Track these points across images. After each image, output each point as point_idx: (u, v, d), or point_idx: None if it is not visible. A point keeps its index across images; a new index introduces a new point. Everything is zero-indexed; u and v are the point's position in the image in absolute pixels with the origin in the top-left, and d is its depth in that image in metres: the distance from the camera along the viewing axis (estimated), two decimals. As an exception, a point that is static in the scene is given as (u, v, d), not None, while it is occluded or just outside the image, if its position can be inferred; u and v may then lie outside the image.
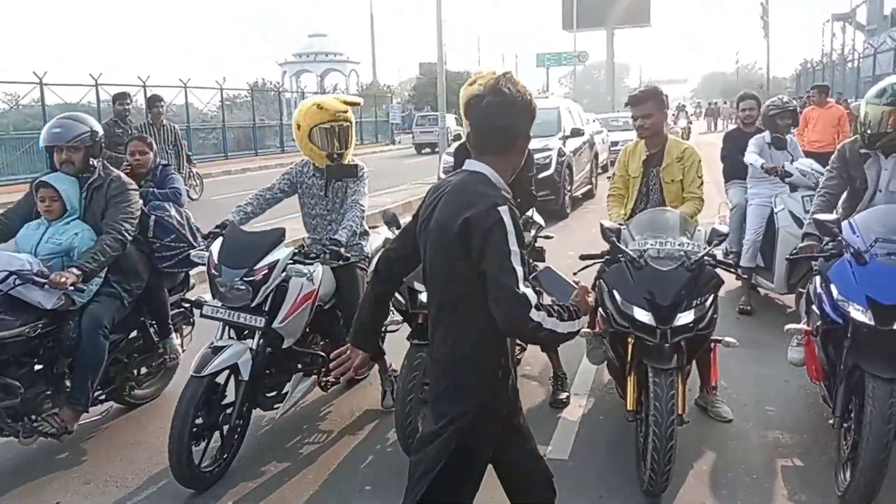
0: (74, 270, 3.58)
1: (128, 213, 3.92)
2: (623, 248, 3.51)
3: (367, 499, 3.50)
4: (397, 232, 3.98)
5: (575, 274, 3.63)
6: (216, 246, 3.82)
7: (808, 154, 7.05)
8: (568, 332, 2.17)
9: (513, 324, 2.09)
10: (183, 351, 4.60)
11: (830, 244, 3.55)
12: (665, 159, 4.19)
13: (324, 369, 4.03)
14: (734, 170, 6.58)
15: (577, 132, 12.54)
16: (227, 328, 3.74)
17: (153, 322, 4.38)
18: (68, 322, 3.75)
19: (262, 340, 3.68)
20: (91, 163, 3.93)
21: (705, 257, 3.46)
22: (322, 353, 4.04)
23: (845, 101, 16.56)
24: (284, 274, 3.70)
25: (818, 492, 3.40)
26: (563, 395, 4.44)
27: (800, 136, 8.94)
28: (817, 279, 3.63)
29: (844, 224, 3.51)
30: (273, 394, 3.96)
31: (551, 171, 11.09)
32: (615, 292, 3.49)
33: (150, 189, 4.48)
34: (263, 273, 3.64)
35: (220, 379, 3.61)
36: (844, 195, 4.06)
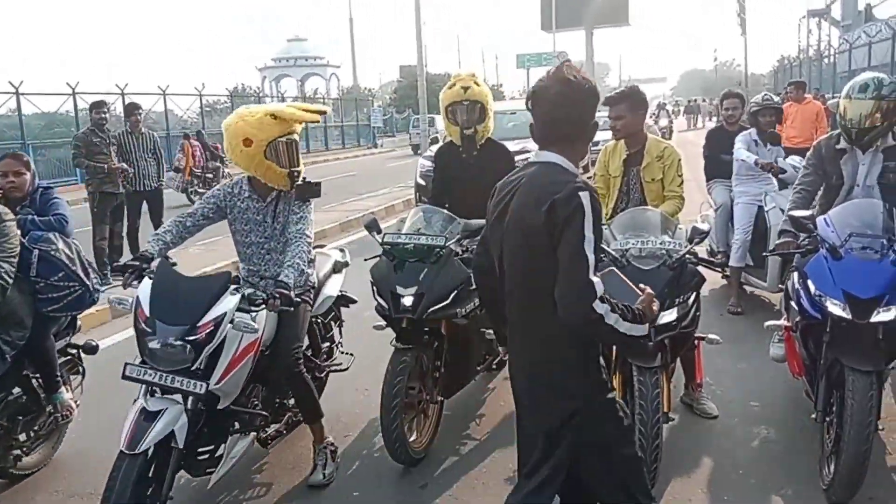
0: None
1: (4, 250, 3.37)
2: (605, 247, 3.53)
3: (355, 505, 3.48)
4: (378, 237, 4.00)
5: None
6: (144, 292, 3.13)
7: (786, 150, 7.10)
8: (629, 333, 2.14)
9: (575, 313, 2.06)
10: (77, 405, 4.00)
11: (807, 240, 3.59)
12: (645, 158, 4.22)
13: (262, 424, 3.58)
14: (717, 169, 6.59)
15: None
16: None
17: (38, 376, 3.77)
18: None
19: (198, 402, 3.06)
20: None
21: (687, 255, 3.48)
22: (262, 412, 3.52)
23: (822, 96, 16.72)
24: (230, 328, 3.08)
25: (803, 485, 3.43)
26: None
27: (780, 132, 9.01)
28: (795, 275, 3.66)
29: (819, 220, 3.55)
30: (205, 456, 3.32)
31: None
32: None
33: (29, 216, 3.84)
34: (208, 331, 3.02)
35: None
36: (821, 191, 4.09)
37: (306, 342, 3.85)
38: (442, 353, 3.94)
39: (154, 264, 3.35)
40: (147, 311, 3.05)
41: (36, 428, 3.88)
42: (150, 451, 2.87)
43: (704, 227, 3.69)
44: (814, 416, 3.43)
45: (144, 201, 8.65)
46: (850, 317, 3.16)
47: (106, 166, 8.07)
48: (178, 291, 3.14)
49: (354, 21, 37.89)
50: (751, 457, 3.75)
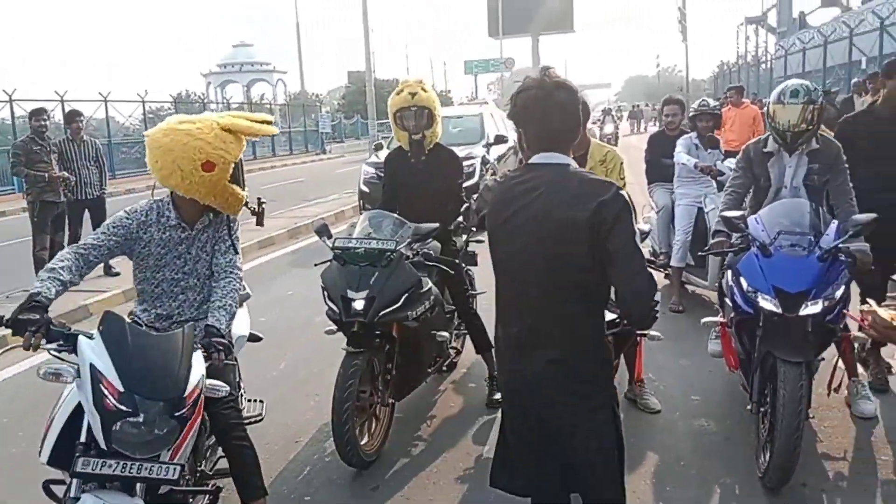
0: None
1: None
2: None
3: (308, 509, 3.50)
4: (328, 242, 4.01)
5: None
6: (98, 359, 2.43)
7: (725, 153, 7.34)
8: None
9: (643, 302, 2.17)
10: None
11: (739, 239, 3.75)
12: (588, 162, 4.31)
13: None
14: (658, 172, 6.78)
15: (500, 139, 12.12)
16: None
17: None
18: None
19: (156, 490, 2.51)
20: None
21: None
22: (211, 489, 2.86)
23: (759, 101, 17.28)
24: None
25: (742, 474, 3.57)
26: (498, 396, 4.52)
27: (718, 136, 9.30)
28: (729, 273, 3.82)
29: (750, 219, 3.71)
30: None
31: (475, 179, 10.89)
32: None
33: None
34: (194, 398, 2.51)
35: None
36: (751, 193, 4.27)
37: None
38: (393, 356, 3.98)
39: (93, 321, 2.70)
40: (119, 385, 2.38)
41: None
42: None
43: (645, 227, 3.82)
44: (749, 407, 3.59)
45: (86, 210, 8.46)
46: (780, 311, 3.32)
47: (47, 175, 7.88)
48: (145, 355, 2.49)
49: (301, 27, 37.56)
50: (692, 448, 3.89)
